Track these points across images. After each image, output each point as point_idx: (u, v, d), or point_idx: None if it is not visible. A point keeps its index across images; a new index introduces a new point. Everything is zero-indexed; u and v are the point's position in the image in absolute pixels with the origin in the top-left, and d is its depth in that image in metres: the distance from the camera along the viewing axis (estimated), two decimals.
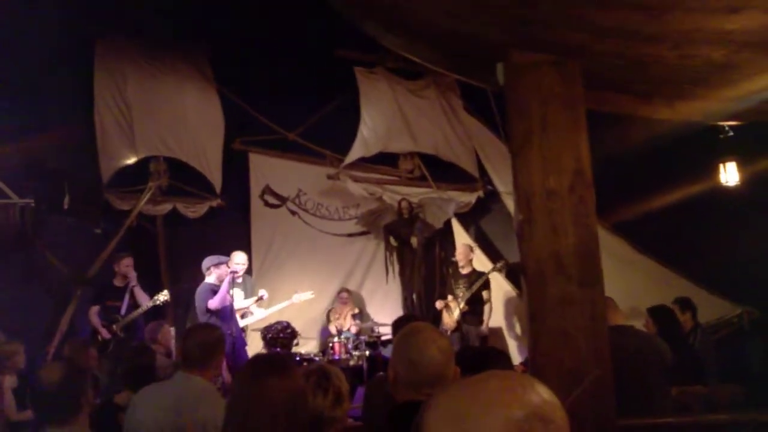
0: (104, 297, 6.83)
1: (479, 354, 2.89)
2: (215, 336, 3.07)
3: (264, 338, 5.18)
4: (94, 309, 6.78)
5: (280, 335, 5.06)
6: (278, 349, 5.00)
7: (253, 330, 7.30)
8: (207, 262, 6.70)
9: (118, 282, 6.88)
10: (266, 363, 2.14)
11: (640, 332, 4.61)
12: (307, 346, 7.81)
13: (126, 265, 6.85)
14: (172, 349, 6.21)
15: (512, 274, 7.61)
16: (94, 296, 6.93)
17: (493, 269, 7.46)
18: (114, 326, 6.64)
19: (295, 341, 5.37)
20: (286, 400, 1.95)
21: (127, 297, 6.78)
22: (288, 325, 5.20)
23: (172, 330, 6.63)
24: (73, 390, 2.63)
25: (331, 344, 7.26)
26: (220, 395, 2.93)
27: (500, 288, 7.97)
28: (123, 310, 6.73)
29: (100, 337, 6.62)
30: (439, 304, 7.99)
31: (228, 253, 6.96)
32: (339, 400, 2.18)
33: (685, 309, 5.70)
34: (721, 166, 7.03)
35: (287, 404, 1.94)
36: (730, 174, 7.02)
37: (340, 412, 2.17)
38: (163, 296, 6.80)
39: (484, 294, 7.70)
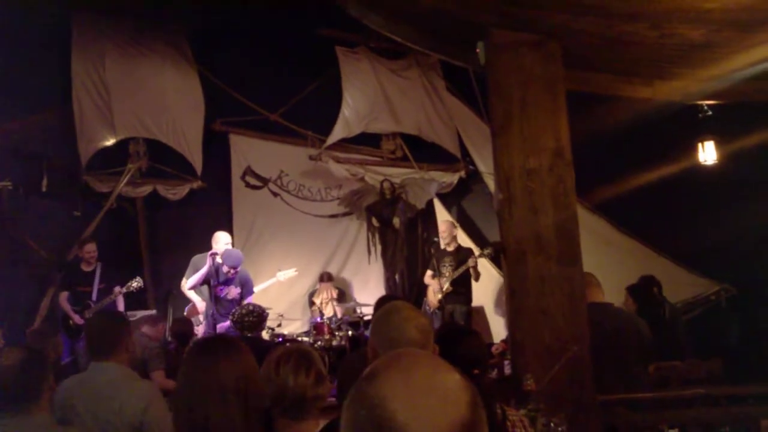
0: (73, 282, 6.73)
1: (455, 332, 2.91)
2: (115, 320, 3.12)
3: (231, 320, 5.11)
4: (64, 294, 6.69)
5: (245, 318, 4.97)
6: (247, 333, 4.91)
7: None
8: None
9: (85, 267, 6.77)
10: (213, 344, 2.13)
11: (618, 310, 4.67)
12: (290, 326, 7.84)
13: (88, 251, 6.72)
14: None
15: (495, 255, 7.58)
16: (62, 281, 6.83)
17: (480, 255, 7.41)
18: (86, 312, 6.55)
19: (262, 325, 5.24)
20: (235, 381, 1.95)
21: (96, 282, 6.69)
22: (254, 309, 5.09)
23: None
24: (32, 376, 2.44)
25: (313, 324, 7.31)
26: (136, 377, 2.89)
27: (483, 268, 8.00)
28: (94, 296, 6.65)
29: (72, 323, 6.56)
30: (427, 279, 7.90)
31: (209, 235, 6.93)
32: (320, 378, 2.18)
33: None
34: (700, 145, 7.07)
35: (237, 384, 1.94)
36: (708, 153, 7.07)
37: (322, 390, 2.18)
38: (136, 283, 6.67)
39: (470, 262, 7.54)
